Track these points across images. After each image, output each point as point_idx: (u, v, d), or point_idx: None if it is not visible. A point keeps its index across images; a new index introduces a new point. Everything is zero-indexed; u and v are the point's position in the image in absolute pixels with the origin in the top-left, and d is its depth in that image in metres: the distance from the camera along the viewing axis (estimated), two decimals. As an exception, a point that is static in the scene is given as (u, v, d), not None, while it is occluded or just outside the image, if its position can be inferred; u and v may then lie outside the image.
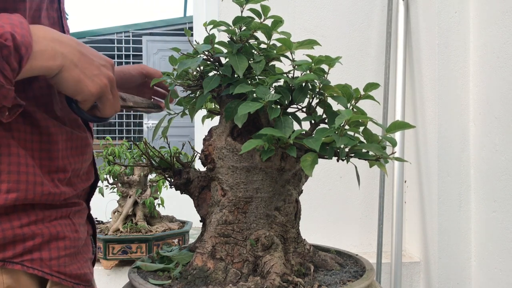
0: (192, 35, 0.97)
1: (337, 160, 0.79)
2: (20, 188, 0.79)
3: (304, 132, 0.82)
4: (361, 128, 0.79)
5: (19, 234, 0.79)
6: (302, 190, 0.93)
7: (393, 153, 0.78)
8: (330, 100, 0.85)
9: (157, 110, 1.03)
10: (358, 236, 2.22)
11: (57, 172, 0.84)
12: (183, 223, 2.60)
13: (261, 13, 0.84)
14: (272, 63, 0.90)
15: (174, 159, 0.93)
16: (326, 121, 0.85)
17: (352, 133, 0.77)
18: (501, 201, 1.74)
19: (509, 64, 1.69)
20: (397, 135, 2.01)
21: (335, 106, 0.83)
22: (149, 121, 7.17)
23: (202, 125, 1.13)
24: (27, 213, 0.80)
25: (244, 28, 0.84)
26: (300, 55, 0.88)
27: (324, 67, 0.83)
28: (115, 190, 2.32)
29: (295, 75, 0.85)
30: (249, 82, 0.87)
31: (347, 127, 0.75)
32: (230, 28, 0.84)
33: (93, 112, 0.79)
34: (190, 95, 0.95)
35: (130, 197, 2.33)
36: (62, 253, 0.83)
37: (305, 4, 2.17)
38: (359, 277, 0.83)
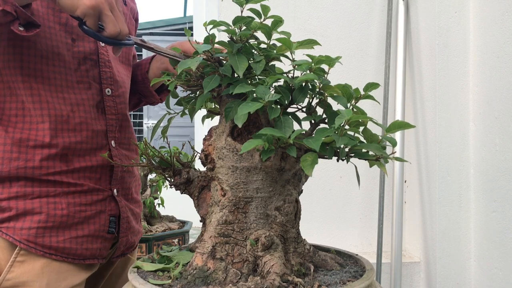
0: (192, 35, 0.97)
1: (337, 160, 0.79)
2: None
3: (304, 132, 0.82)
4: (361, 128, 0.79)
5: None
6: (302, 190, 0.93)
7: (393, 153, 0.78)
8: (330, 100, 0.85)
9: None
10: (358, 236, 2.22)
11: (35, 147, 0.98)
12: (183, 223, 2.60)
13: (261, 13, 0.84)
14: (272, 63, 0.90)
15: (174, 159, 0.93)
16: (326, 121, 0.85)
17: (352, 133, 0.77)
18: (501, 201, 1.74)
19: (509, 64, 1.69)
20: (397, 135, 2.01)
21: (335, 106, 0.83)
22: (149, 121, 7.17)
23: (202, 125, 1.13)
24: (5, 189, 0.97)
25: (244, 28, 0.84)
26: (300, 55, 0.88)
27: (324, 67, 0.83)
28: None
29: (295, 75, 0.85)
30: (249, 82, 0.87)
31: (347, 127, 0.75)
32: (230, 28, 0.84)
33: (102, 33, 0.89)
34: (190, 95, 0.95)
35: (130, 197, 2.33)
36: (35, 225, 0.98)
37: (305, 4, 2.17)
38: (359, 277, 0.83)
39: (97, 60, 1.08)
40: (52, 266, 1.00)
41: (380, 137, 0.78)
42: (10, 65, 0.97)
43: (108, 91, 1.09)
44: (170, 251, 0.96)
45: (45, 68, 1.00)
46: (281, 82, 0.85)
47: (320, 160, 0.75)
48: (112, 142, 1.09)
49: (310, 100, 0.86)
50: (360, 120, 0.77)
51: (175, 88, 0.92)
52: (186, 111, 0.98)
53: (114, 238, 1.11)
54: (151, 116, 7.22)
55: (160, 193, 2.65)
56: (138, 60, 1.35)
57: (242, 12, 0.86)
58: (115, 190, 1.10)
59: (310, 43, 0.85)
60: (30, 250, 0.97)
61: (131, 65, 1.24)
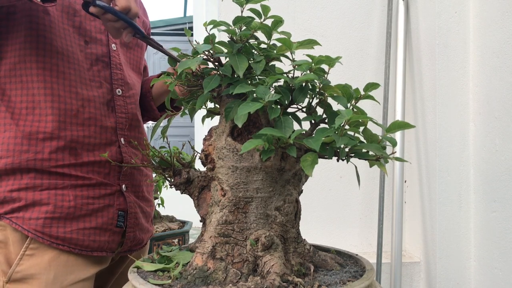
0: (192, 35, 0.97)
1: (337, 160, 0.79)
2: (9, 155, 1.01)
3: (304, 132, 0.82)
4: (361, 128, 0.79)
5: (8, 196, 1.01)
6: (302, 190, 0.93)
7: (393, 153, 0.78)
8: (330, 100, 0.85)
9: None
10: (358, 236, 2.22)
11: (44, 140, 1.02)
12: (183, 223, 2.60)
13: (261, 13, 0.84)
14: (272, 63, 0.90)
15: (174, 159, 0.93)
16: (326, 121, 0.85)
17: (352, 133, 0.77)
18: (501, 201, 1.74)
19: (509, 64, 1.69)
20: (397, 135, 2.01)
21: (335, 106, 0.83)
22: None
23: (202, 125, 1.13)
24: (16, 180, 1.01)
25: (244, 28, 0.84)
26: (300, 55, 0.88)
27: (324, 67, 0.83)
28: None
29: (295, 75, 0.85)
30: (249, 82, 0.87)
31: (347, 127, 0.75)
32: (230, 28, 0.84)
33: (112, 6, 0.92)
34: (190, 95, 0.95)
35: (130, 197, 2.33)
36: (42, 216, 1.01)
37: (305, 4, 2.17)
38: (359, 277, 0.83)
39: (109, 62, 1.13)
40: (59, 259, 1.03)
41: (380, 137, 0.78)
42: (26, 59, 1.02)
43: (119, 91, 1.14)
44: (170, 251, 0.96)
45: (61, 63, 1.04)
46: (281, 82, 0.85)
47: (320, 160, 0.75)
48: (122, 139, 1.14)
49: (310, 100, 0.86)
50: (360, 120, 0.77)
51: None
52: (186, 111, 0.99)
53: (122, 233, 1.14)
54: (151, 116, 7.22)
55: (160, 193, 2.65)
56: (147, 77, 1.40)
57: (242, 12, 0.86)
58: (123, 186, 1.13)
59: (310, 43, 0.85)
60: (38, 240, 1.01)
61: (141, 73, 1.29)
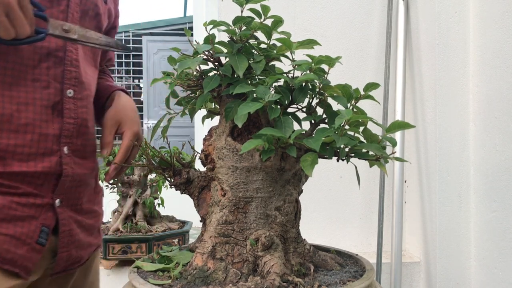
0: (192, 35, 0.97)
1: (337, 160, 0.79)
2: None
3: (304, 132, 0.82)
4: (361, 128, 0.79)
5: None
6: (302, 190, 0.93)
7: (393, 153, 0.78)
8: (330, 100, 0.85)
9: (122, 51, 0.98)
10: (358, 236, 2.22)
11: None
12: (183, 223, 2.60)
13: (261, 13, 0.84)
14: (272, 63, 0.90)
15: (174, 159, 0.93)
16: (326, 121, 0.85)
17: (352, 133, 0.77)
18: (501, 201, 1.74)
19: (509, 64, 1.69)
20: (397, 135, 2.01)
21: (335, 106, 0.83)
22: (149, 121, 7.16)
23: (202, 125, 1.13)
24: None
25: (244, 28, 0.84)
26: (300, 55, 0.88)
27: (324, 67, 0.83)
28: (115, 190, 2.33)
29: (295, 75, 0.85)
30: (249, 82, 0.87)
31: (347, 127, 0.75)
32: (230, 28, 0.84)
33: None
34: (190, 95, 0.95)
35: (130, 197, 2.33)
36: None
37: (305, 4, 2.17)
38: (359, 277, 0.83)
39: (63, 58, 0.98)
40: None
41: (380, 137, 0.78)
42: None
43: (70, 92, 0.98)
44: (170, 251, 0.96)
45: None
46: (281, 82, 0.85)
47: (320, 160, 0.75)
48: (65, 148, 0.97)
49: (310, 100, 0.86)
50: (360, 120, 0.77)
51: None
52: (186, 111, 0.98)
53: (52, 252, 0.98)
54: (151, 116, 7.22)
55: (160, 193, 2.65)
56: (105, 82, 1.20)
57: (242, 12, 0.86)
58: (57, 200, 0.97)
59: (310, 43, 0.85)
60: None
61: (97, 67, 1.13)
